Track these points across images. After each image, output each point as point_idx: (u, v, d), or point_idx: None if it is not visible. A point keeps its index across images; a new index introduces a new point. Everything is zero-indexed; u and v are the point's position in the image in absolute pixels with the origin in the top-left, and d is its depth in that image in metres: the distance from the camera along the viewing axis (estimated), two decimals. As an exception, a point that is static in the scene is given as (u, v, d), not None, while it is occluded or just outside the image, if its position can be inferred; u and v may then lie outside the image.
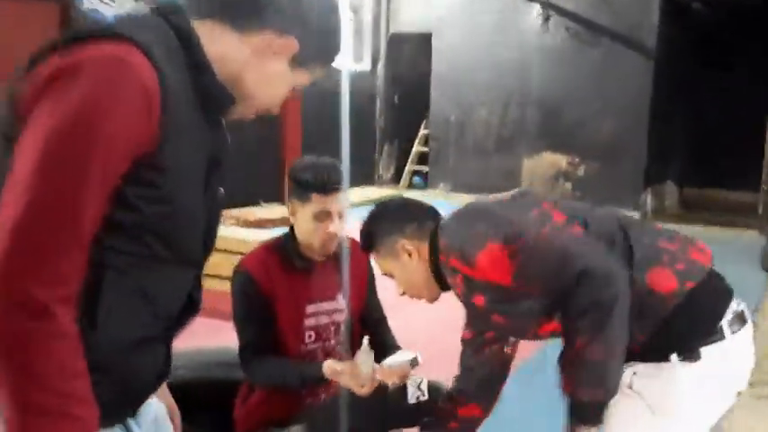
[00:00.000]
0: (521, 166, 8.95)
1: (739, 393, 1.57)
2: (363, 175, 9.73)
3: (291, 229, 2.08)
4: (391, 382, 1.94)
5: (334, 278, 2.15)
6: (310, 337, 2.09)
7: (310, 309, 2.08)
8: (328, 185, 1.97)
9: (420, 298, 1.82)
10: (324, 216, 1.98)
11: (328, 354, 2.12)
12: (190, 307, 1.18)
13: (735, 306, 1.53)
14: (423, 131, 10.07)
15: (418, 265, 1.74)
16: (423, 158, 10.08)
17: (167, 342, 1.15)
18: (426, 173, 9.95)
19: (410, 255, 1.75)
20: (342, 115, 8.97)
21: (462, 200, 9.59)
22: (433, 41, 9.47)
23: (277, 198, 7.70)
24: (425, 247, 1.73)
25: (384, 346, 2.17)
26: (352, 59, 9.44)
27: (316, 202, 1.97)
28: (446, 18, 9.28)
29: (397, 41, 10.10)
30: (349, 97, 8.63)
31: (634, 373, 1.54)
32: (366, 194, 9.04)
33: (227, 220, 6.04)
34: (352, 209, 7.47)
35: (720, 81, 8.72)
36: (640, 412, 1.52)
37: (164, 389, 1.36)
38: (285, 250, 2.07)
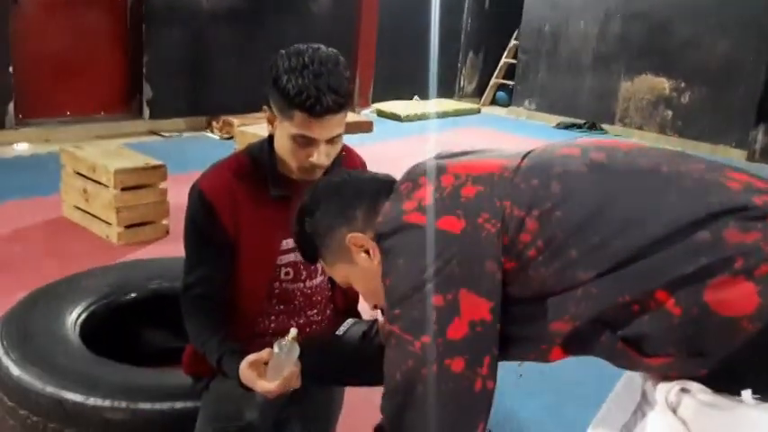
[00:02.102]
0: (617, 87, 8.05)
1: None
2: (443, 86, 9.07)
3: (270, 140, 1.58)
4: None
5: None
6: (287, 274, 1.65)
7: (289, 243, 1.61)
8: (319, 107, 1.40)
9: None
10: (306, 143, 1.47)
11: (308, 296, 1.69)
12: None
13: None
14: (513, 42, 9.23)
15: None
16: (510, 73, 9.28)
17: None
18: (512, 88, 9.17)
19: (367, 252, 1.21)
20: (431, 15, 8.29)
21: (547, 120, 8.75)
22: (534, -60, 8.51)
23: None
24: None
25: None
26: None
27: (298, 124, 1.44)
28: None
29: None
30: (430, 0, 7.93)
31: (683, 390, 1.02)
32: (444, 107, 8.43)
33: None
34: (428, 120, 6.85)
35: None
36: None
37: None
38: (257, 169, 1.58)
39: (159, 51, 6.25)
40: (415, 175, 1.17)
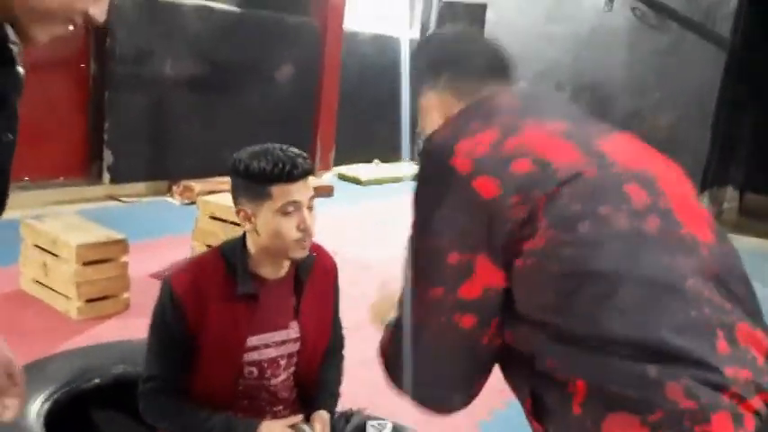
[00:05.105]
0: (569, 154, 8.36)
1: None
2: (400, 150, 9.27)
3: (243, 238, 1.67)
4: None
5: (289, 302, 1.72)
6: (251, 373, 1.69)
7: (253, 341, 1.67)
8: (293, 171, 1.56)
9: None
10: (292, 210, 1.57)
11: (273, 393, 1.73)
12: None
13: None
14: (469, 108, 9.52)
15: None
16: (466, 137, 9.56)
17: None
18: (468, 152, 9.42)
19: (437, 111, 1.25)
20: (402, 85, 8.53)
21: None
22: (489, 12, 8.87)
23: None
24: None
25: (323, 383, 1.79)
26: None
27: (279, 195, 1.56)
28: (504, -11, 8.67)
29: (449, 10, 9.53)
30: (390, 66, 8.16)
31: None
32: (404, 171, 8.60)
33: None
34: (388, 184, 7.00)
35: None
36: None
37: None
38: (227, 269, 1.64)
39: (121, 117, 6.29)
40: (490, 118, 1.12)
